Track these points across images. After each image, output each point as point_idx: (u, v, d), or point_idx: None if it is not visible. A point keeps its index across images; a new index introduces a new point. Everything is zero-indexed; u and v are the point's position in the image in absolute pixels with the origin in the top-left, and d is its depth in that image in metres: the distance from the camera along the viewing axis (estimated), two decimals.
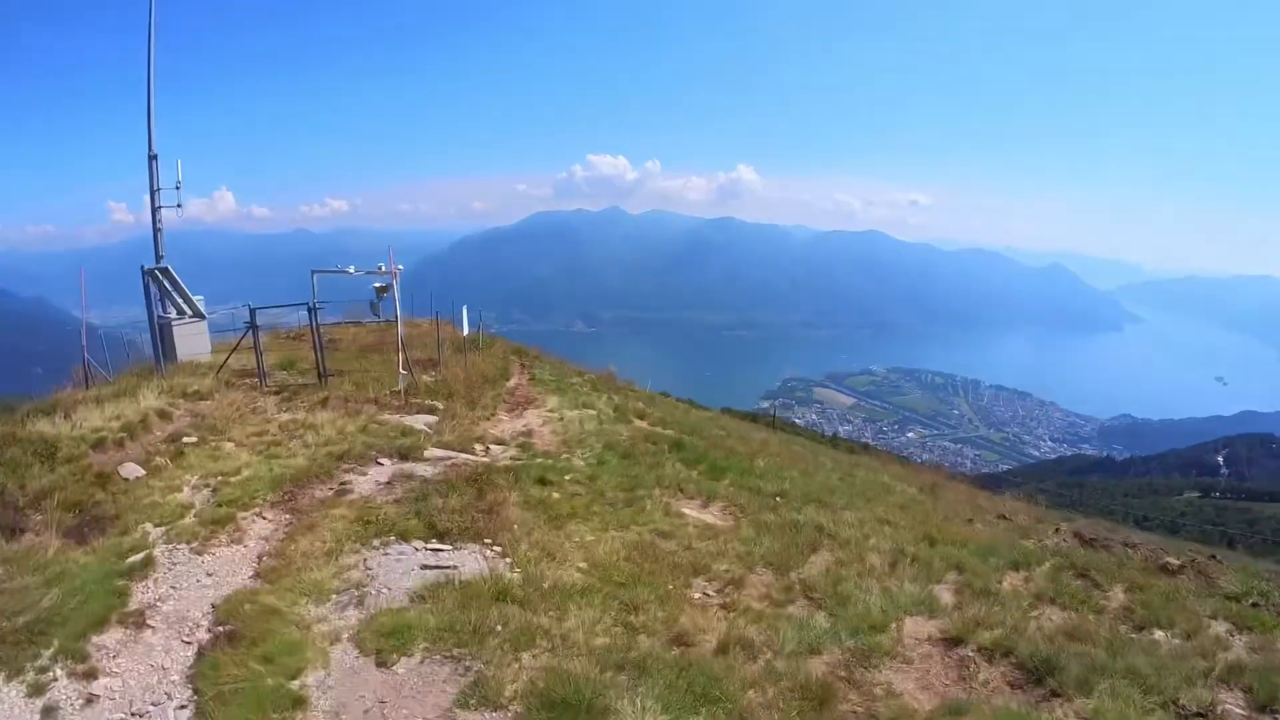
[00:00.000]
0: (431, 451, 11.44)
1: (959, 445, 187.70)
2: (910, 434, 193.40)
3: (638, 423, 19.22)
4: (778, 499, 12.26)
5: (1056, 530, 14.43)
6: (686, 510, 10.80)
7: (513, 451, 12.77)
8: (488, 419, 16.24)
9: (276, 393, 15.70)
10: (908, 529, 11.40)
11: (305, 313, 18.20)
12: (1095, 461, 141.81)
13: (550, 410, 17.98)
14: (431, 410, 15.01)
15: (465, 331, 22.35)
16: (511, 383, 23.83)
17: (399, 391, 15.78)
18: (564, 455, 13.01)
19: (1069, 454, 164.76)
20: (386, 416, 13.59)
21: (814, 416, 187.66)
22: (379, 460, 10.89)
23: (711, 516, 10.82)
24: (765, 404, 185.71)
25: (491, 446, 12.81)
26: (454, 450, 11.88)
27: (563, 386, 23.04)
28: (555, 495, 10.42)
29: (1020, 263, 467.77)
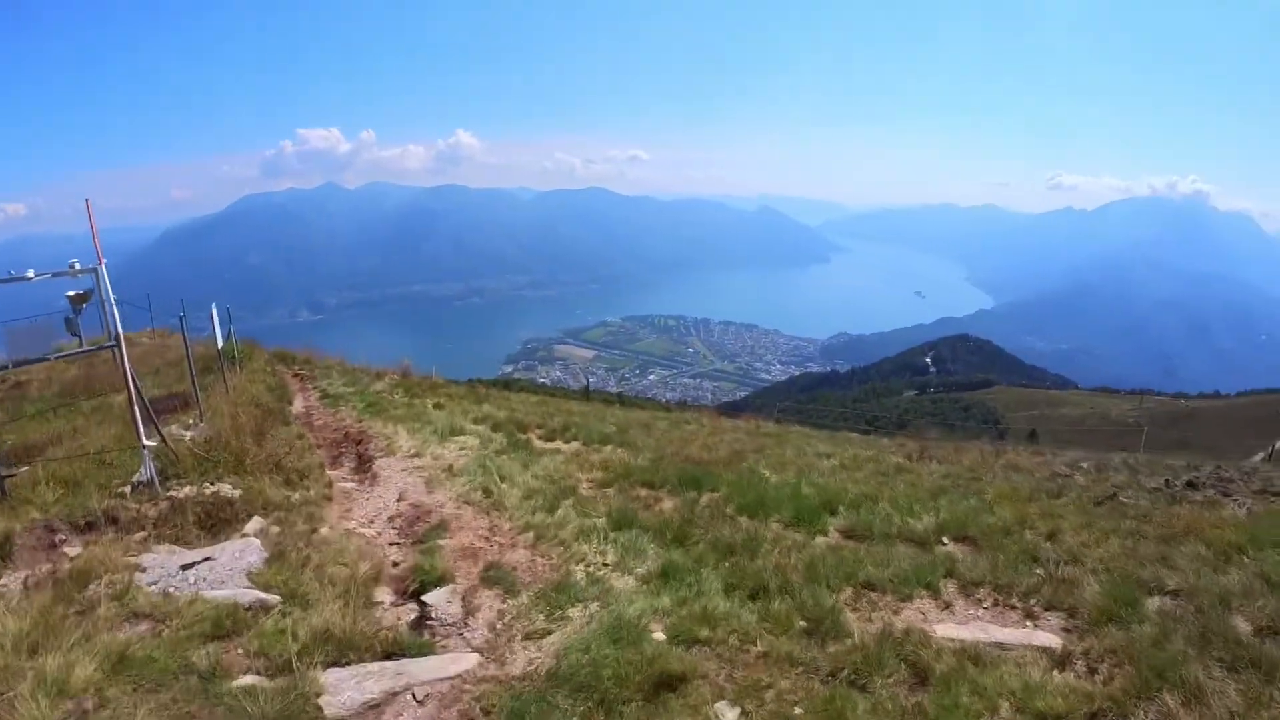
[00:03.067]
0: (341, 694, 3.99)
1: (698, 380, 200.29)
2: (652, 376, 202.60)
3: (542, 442, 12.97)
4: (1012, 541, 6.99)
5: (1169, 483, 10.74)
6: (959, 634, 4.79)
7: (491, 602, 5.50)
8: (327, 497, 8.78)
9: None
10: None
11: None
12: (822, 377, 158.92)
13: (412, 454, 11.05)
14: (225, 510, 7.21)
15: (220, 342, 13.93)
16: (298, 406, 16.38)
17: (147, 484, 7.71)
18: (573, 577, 6.03)
19: (798, 373, 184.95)
20: (146, 566, 5.51)
21: (558, 374, 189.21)
22: None
23: (1011, 633, 5.10)
24: (509, 368, 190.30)
25: (437, 611, 5.43)
26: (371, 656, 4.43)
27: (373, 400, 16.60)
28: None
29: (735, 208, 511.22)
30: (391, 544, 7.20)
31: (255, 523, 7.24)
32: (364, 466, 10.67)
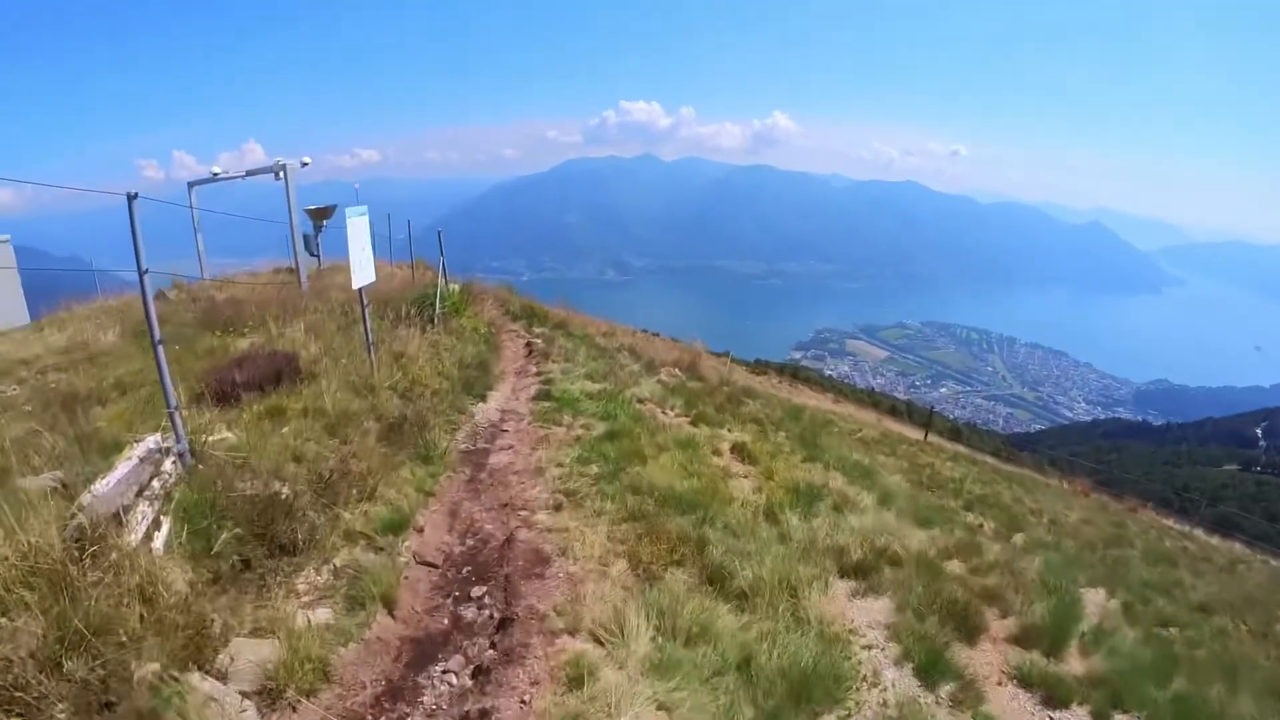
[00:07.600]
0: None
1: (991, 402, 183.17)
2: (943, 389, 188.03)
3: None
4: None
5: None
6: None
7: None
8: None
9: None
10: None
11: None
12: (1130, 426, 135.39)
13: None
14: None
15: (360, 278, 8.77)
16: (490, 409, 10.31)
17: None
18: None
19: (1103, 416, 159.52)
20: None
21: (846, 369, 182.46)
22: None
23: None
24: (797, 354, 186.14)
25: None
26: None
27: (622, 426, 9.63)
28: None
29: (1059, 219, 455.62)
30: None
31: None
32: None
